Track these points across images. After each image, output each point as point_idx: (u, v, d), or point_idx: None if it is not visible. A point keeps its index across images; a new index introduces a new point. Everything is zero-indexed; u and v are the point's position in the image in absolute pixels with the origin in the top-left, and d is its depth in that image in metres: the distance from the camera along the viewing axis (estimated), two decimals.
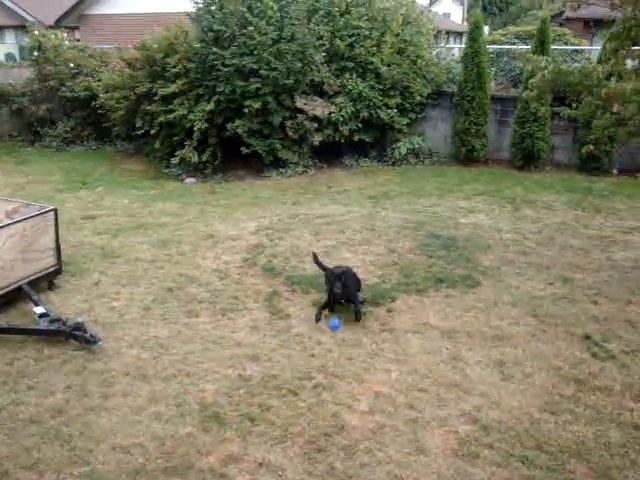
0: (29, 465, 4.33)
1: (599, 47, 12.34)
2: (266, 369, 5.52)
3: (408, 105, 13.61)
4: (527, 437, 4.65)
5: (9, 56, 24.47)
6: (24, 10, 32.17)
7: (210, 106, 12.31)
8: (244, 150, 12.53)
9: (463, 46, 13.98)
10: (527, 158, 12.81)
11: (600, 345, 5.88)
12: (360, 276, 6.71)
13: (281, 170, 12.93)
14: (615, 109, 6.90)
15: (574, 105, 8.71)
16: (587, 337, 6.02)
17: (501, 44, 15.81)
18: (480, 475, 4.28)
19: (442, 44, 16.30)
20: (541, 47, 12.09)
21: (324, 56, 12.73)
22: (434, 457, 4.44)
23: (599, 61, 9.87)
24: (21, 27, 22.76)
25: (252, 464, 4.35)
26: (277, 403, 5.01)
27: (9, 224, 6.68)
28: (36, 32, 16.10)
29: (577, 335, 6.07)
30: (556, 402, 5.07)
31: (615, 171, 12.52)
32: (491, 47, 14.48)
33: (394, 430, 4.70)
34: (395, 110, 13.31)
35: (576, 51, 14.63)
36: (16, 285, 6.67)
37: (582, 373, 5.45)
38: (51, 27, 20.02)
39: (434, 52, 14.72)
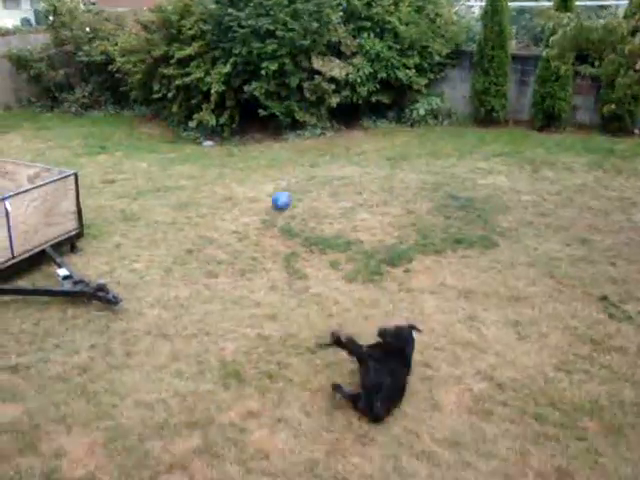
0: (58, 419, 4.50)
1: (626, 1, 11.97)
2: (284, 328, 5.63)
3: (427, 65, 13.40)
4: (541, 395, 4.72)
5: (25, 21, 24.42)
6: None
7: (227, 69, 12.24)
8: (261, 112, 12.49)
9: (483, 4, 13.66)
10: (548, 119, 12.60)
11: (617, 306, 5.89)
12: (378, 237, 6.71)
13: (299, 132, 12.89)
14: (638, 67, 6.75)
15: (597, 63, 8.53)
16: (604, 298, 6.02)
17: (523, 1, 15.41)
18: (494, 431, 4.37)
19: (462, 2, 15.92)
20: (564, 3, 11.76)
21: (341, 16, 12.54)
22: (449, 414, 4.54)
23: (625, 16, 9.61)
24: None
25: (271, 419, 4.49)
26: (295, 361, 5.13)
27: (31, 189, 6.79)
28: None
29: (594, 296, 6.08)
30: (571, 361, 5.12)
31: (637, 131, 12.28)
32: (512, 4, 14.11)
33: (410, 387, 4.79)
34: (413, 70, 13.12)
35: (602, 7, 14.20)
36: (40, 248, 6.82)
37: (598, 333, 5.48)
38: None
39: (453, 10, 14.41)
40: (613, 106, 8.91)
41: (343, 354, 5.10)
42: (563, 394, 4.74)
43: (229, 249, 7.34)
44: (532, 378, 4.91)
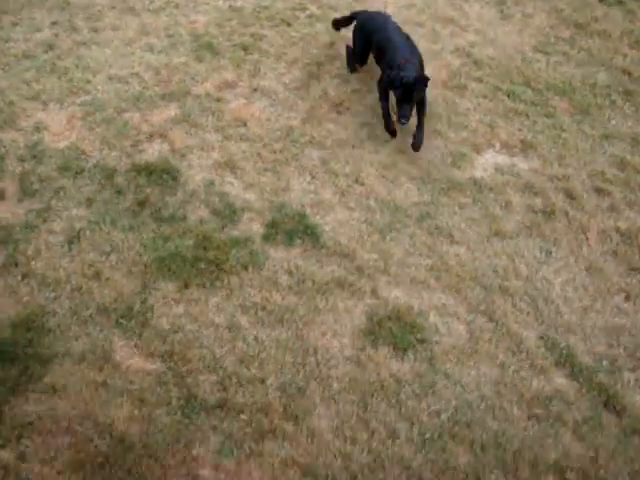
0: (32, 96, 4.45)
1: None
2: (258, 0, 5.31)
3: None
4: (517, 74, 4.74)
5: None
6: None
7: None
8: None
9: None
10: None
11: None
12: None
13: None
14: None
15: None
16: None
17: None
18: (466, 105, 4.49)
19: None
20: None
21: None
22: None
23: None
24: None
25: (247, 90, 4.52)
26: (270, 33, 4.96)
27: None
28: None
29: None
30: (551, 43, 5.05)
31: None
32: None
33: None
34: None
35: None
36: None
37: (584, 17, 5.31)
38: None
39: None
40: None
41: (319, 27, 4.97)
42: (538, 74, 4.76)
43: None
44: (510, 57, 4.88)
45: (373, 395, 3.06)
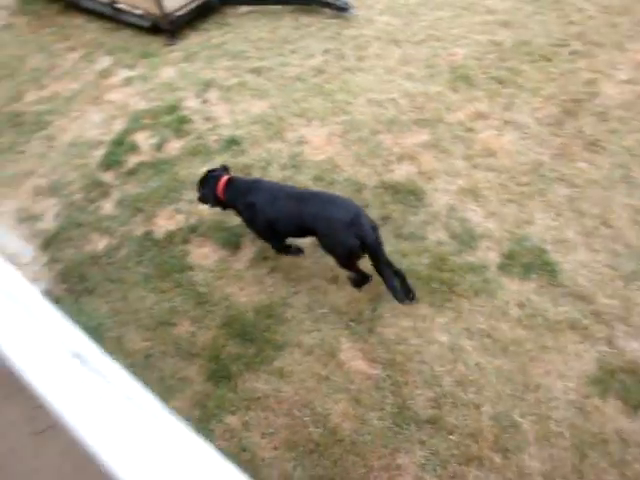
0: (299, 113, 4.99)
1: None
2: (518, 35, 5.35)
3: None
4: None
5: None
6: None
7: None
8: None
9: None
10: None
11: None
12: None
13: None
14: None
15: None
16: None
17: None
18: None
19: None
20: None
21: None
22: None
23: None
24: None
25: (498, 121, 4.55)
26: (528, 68, 4.95)
27: None
28: None
29: None
30: None
31: None
32: None
33: None
34: None
35: None
36: None
37: None
38: None
39: None
40: None
41: (580, 63, 4.79)
42: None
43: None
44: None
45: (593, 448, 2.86)
